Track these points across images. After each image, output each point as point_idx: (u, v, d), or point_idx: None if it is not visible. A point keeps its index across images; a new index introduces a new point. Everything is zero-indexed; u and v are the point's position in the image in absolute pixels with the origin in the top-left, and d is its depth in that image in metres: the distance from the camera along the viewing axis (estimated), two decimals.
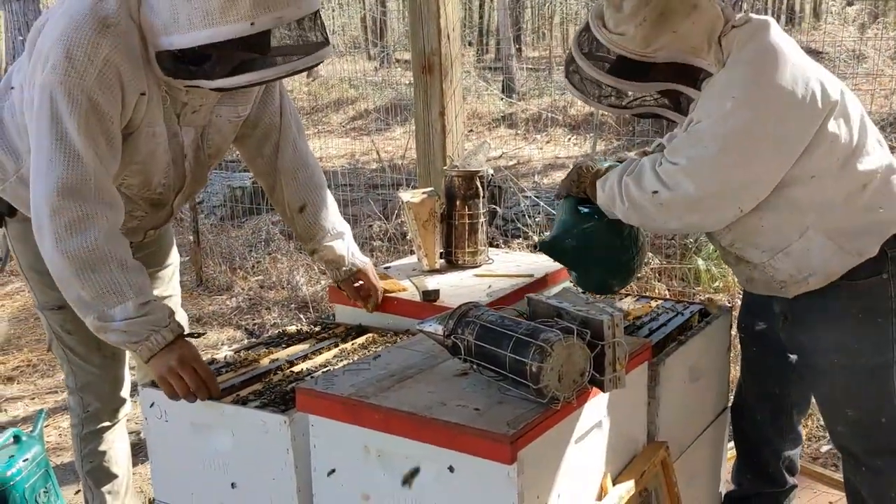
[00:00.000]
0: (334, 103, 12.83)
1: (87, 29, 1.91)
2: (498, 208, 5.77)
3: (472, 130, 10.26)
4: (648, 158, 2.16)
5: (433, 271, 2.73)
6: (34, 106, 1.96)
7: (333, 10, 14.55)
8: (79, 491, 2.86)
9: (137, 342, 1.96)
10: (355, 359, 2.16)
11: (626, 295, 2.75)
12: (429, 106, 3.85)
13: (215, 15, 1.84)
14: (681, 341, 2.25)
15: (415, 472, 1.66)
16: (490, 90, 11.60)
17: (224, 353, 2.27)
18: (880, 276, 2.13)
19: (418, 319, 1.93)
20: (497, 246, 4.93)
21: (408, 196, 2.78)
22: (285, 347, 2.31)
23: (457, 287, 2.55)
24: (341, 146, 10.30)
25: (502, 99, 11.26)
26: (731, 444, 2.72)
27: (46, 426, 3.70)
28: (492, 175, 2.90)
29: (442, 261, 2.79)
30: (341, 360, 2.18)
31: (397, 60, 13.36)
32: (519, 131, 10.41)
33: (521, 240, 5.52)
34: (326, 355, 2.23)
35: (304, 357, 2.22)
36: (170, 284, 2.69)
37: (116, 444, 2.59)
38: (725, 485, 2.72)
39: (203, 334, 2.12)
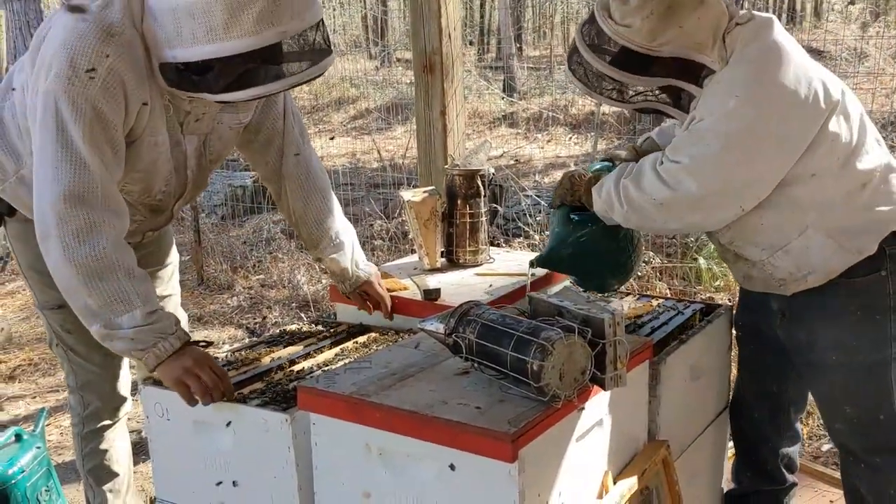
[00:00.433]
0: (335, 102, 12.83)
1: (90, 37, 1.91)
2: (499, 207, 5.77)
3: (473, 131, 10.26)
4: (647, 159, 2.15)
5: (434, 270, 2.74)
6: (37, 113, 1.95)
7: (334, 10, 14.55)
8: (81, 489, 2.86)
9: (144, 350, 1.95)
10: (356, 357, 2.17)
11: (628, 294, 2.75)
12: (430, 105, 3.85)
13: (219, 31, 1.83)
14: (682, 340, 2.25)
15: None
16: (491, 89, 11.59)
17: (221, 353, 2.27)
18: (878, 274, 2.14)
19: (419, 318, 1.94)
20: (498, 245, 4.93)
21: (409, 195, 2.78)
22: (286, 346, 2.31)
23: (458, 286, 2.55)
24: (342, 145, 10.30)
25: (503, 98, 11.26)
26: (731, 441, 2.72)
27: (48, 425, 3.71)
28: (493, 174, 2.90)
29: (443, 260, 2.80)
30: (342, 359, 2.18)
31: (398, 60, 13.36)
32: (520, 130, 10.41)
33: (521, 239, 5.52)
34: (327, 354, 2.23)
35: (306, 356, 2.22)
36: (169, 284, 2.69)
37: (117, 443, 2.60)
38: (726, 483, 2.72)
39: (211, 343, 2.11)
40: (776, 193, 2.08)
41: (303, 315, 5.21)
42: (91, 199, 1.94)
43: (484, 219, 2.79)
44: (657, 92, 2.19)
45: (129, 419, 2.69)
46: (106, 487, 2.59)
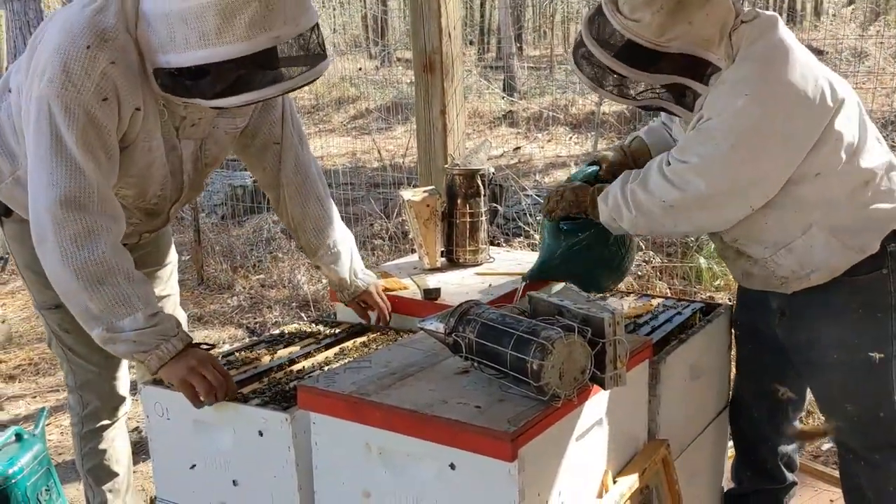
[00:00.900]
0: (335, 102, 12.83)
1: (84, 42, 1.90)
2: (499, 207, 5.77)
3: (473, 130, 10.26)
4: (653, 162, 2.15)
5: (434, 270, 2.74)
6: (31, 118, 1.94)
7: (334, 9, 14.55)
8: (81, 489, 2.86)
9: (147, 352, 1.95)
10: (356, 357, 2.17)
11: (628, 293, 2.75)
12: (430, 104, 3.85)
13: (211, 36, 1.82)
14: (682, 339, 2.25)
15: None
16: (491, 89, 11.59)
17: (221, 351, 2.27)
18: (880, 272, 2.14)
19: (419, 318, 1.94)
20: (498, 244, 4.93)
21: (409, 194, 2.78)
22: (286, 346, 2.31)
23: (458, 285, 2.55)
24: (342, 145, 10.30)
25: (503, 98, 11.26)
26: (730, 441, 2.72)
27: (48, 424, 3.70)
28: (493, 174, 2.90)
29: (443, 259, 2.80)
30: (342, 359, 2.18)
31: (398, 59, 13.36)
32: (520, 130, 10.40)
33: (522, 238, 5.53)
34: (327, 354, 2.23)
35: (306, 355, 2.22)
36: (168, 284, 2.68)
37: (116, 443, 2.59)
38: (726, 482, 2.72)
39: (213, 346, 2.11)
40: (782, 192, 2.08)
41: (303, 315, 5.21)
42: (87, 204, 1.93)
43: (484, 218, 2.79)
44: (662, 89, 2.17)
45: (129, 419, 2.69)
46: (105, 487, 2.59)
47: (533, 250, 4.59)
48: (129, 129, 2.03)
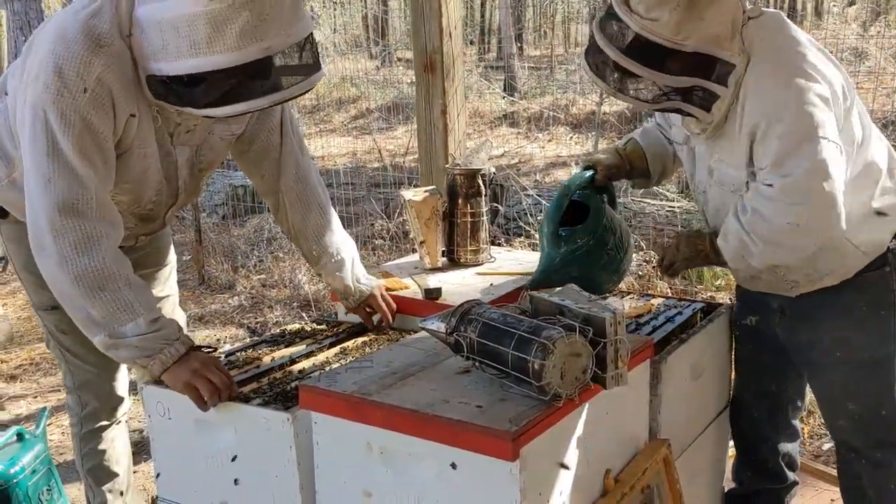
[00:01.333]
0: (336, 102, 12.84)
1: (78, 47, 1.89)
2: (500, 207, 5.77)
3: (474, 130, 10.26)
4: (747, 197, 2.06)
5: (435, 269, 2.74)
6: (26, 124, 1.93)
7: (335, 9, 14.56)
8: (82, 489, 2.86)
9: (150, 356, 1.95)
10: (357, 357, 2.17)
11: (629, 293, 2.75)
12: (431, 104, 3.85)
13: (202, 45, 1.81)
14: (683, 339, 2.25)
15: None
16: (492, 89, 11.60)
17: (222, 352, 2.27)
18: (883, 270, 2.15)
19: (420, 317, 1.94)
20: (499, 244, 4.94)
21: (410, 194, 2.78)
22: (287, 346, 2.31)
23: (459, 285, 2.55)
24: (343, 145, 10.31)
25: (504, 98, 11.26)
26: (731, 440, 2.72)
27: (49, 424, 3.70)
28: (493, 173, 2.90)
29: (444, 259, 2.80)
30: (343, 359, 2.18)
31: (399, 59, 13.36)
32: (521, 130, 10.41)
33: (522, 238, 5.53)
34: (328, 353, 2.23)
35: (307, 355, 2.23)
36: (167, 284, 2.68)
37: (116, 443, 2.59)
38: (727, 482, 2.72)
39: (215, 349, 2.12)
40: None
41: (304, 315, 5.22)
42: (86, 211, 1.93)
43: (485, 218, 2.79)
44: (679, 90, 2.10)
45: (130, 418, 2.69)
46: (105, 488, 2.59)
47: (534, 250, 4.59)
48: (125, 136, 2.02)
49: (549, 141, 9.74)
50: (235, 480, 1.96)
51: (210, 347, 2.10)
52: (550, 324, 1.65)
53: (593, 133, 8.56)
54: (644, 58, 2.02)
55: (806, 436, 3.36)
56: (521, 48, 15.51)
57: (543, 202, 5.73)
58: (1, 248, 2.53)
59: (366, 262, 2.61)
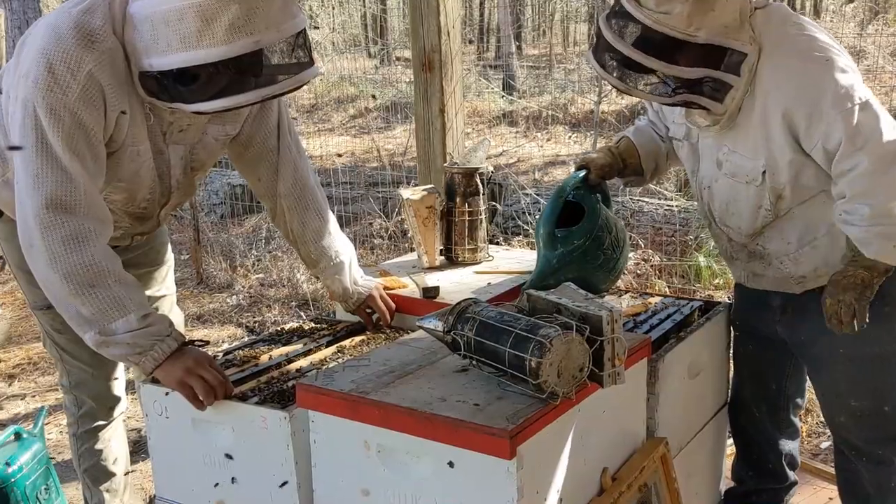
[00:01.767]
0: (335, 101, 12.83)
1: (70, 43, 1.88)
2: (498, 206, 5.77)
3: (472, 129, 10.26)
4: (846, 196, 2.00)
5: (433, 268, 2.74)
6: (17, 120, 1.93)
7: (333, 8, 14.55)
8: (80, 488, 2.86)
9: (142, 353, 1.94)
10: (355, 355, 2.17)
11: (627, 291, 2.75)
12: (429, 103, 3.85)
13: (191, 39, 1.80)
14: (680, 338, 2.25)
15: None
16: (490, 88, 11.59)
17: (220, 350, 2.27)
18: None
19: (418, 316, 1.94)
20: (497, 243, 4.94)
21: (408, 193, 2.78)
22: (285, 345, 2.31)
23: (457, 284, 2.55)
24: (341, 144, 10.30)
25: (503, 97, 11.26)
26: (730, 440, 2.72)
27: (47, 423, 3.70)
28: (491, 172, 2.90)
29: (442, 258, 2.80)
30: (341, 357, 2.18)
31: (398, 58, 13.35)
32: (519, 129, 10.41)
33: (521, 237, 5.53)
34: (326, 352, 2.23)
35: (305, 354, 2.22)
36: (164, 283, 2.67)
37: (113, 443, 2.59)
38: (725, 481, 2.72)
39: (207, 343, 2.11)
40: (814, 180, 2.09)
41: (302, 314, 5.21)
42: (74, 207, 1.92)
43: (483, 217, 2.79)
44: (691, 83, 2.07)
45: (128, 418, 2.69)
46: (103, 487, 2.58)
47: (531, 249, 4.59)
48: (116, 133, 2.02)
49: (548, 140, 9.74)
50: (233, 479, 1.96)
51: (202, 342, 2.09)
52: (547, 322, 1.65)
53: (592, 132, 8.56)
54: (657, 52, 2.00)
55: (804, 434, 3.35)
56: (519, 47, 15.50)
57: (542, 201, 5.73)
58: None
59: (364, 260, 2.61)
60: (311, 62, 1.96)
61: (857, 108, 1.97)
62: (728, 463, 2.75)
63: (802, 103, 2.02)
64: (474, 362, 1.75)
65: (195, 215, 6.13)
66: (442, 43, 3.77)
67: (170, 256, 2.71)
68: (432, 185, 3.02)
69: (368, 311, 2.44)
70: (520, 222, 5.63)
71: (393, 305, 2.44)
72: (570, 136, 9.80)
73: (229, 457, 1.95)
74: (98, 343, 1.95)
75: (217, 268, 6.20)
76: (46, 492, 2.84)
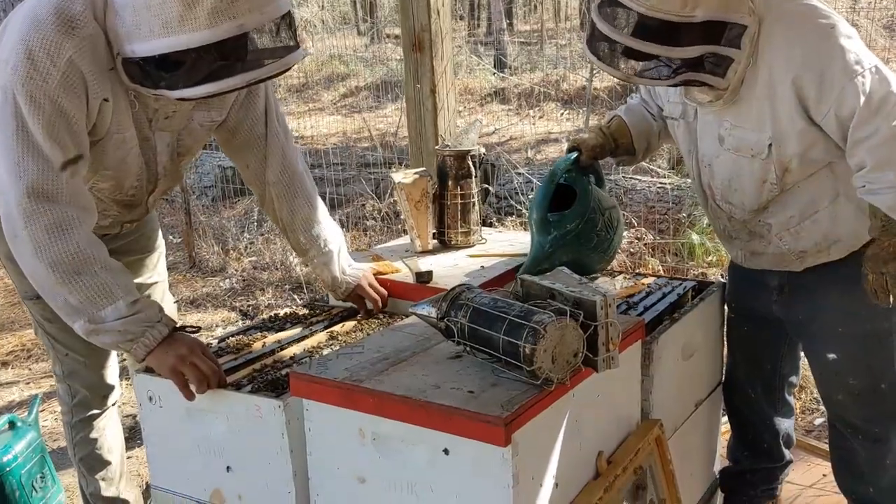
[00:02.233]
0: (325, 80, 12.74)
1: (49, 29, 1.85)
2: (490, 187, 5.76)
3: (464, 108, 10.22)
4: (866, 166, 1.97)
5: (426, 252, 2.72)
6: None
7: None
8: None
9: (133, 340, 1.93)
10: (348, 342, 2.16)
11: (620, 272, 2.75)
12: (420, 84, 3.82)
13: (173, 24, 1.77)
14: (674, 319, 2.25)
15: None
16: (482, 65, 11.53)
17: (214, 338, 2.26)
18: None
19: (411, 302, 1.93)
20: (490, 224, 4.93)
21: (399, 177, 2.76)
22: (278, 331, 2.30)
23: (450, 268, 2.54)
24: (332, 124, 10.24)
25: (494, 74, 11.20)
26: (725, 419, 2.73)
27: (42, 411, 3.70)
28: (483, 154, 2.88)
29: (435, 241, 2.79)
30: (334, 344, 2.17)
31: (388, 35, 13.25)
32: (511, 107, 10.37)
33: (514, 217, 5.52)
34: (320, 338, 2.22)
35: (298, 340, 2.22)
36: (156, 270, 2.65)
37: (107, 431, 2.59)
38: (720, 460, 2.73)
39: (199, 329, 2.09)
40: (822, 151, 2.07)
41: (295, 297, 5.21)
42: (57, 195, 1.90)
43: (475, 199, 2.77)
44: (692, 60, 2.03)
45: (123, 404, 2.68)
46: (98, 476, 2.58)
47: (525, 229, 4.58)
48: (100, 121, 1.99)
49: (540, 117, 9.71)
50: (228, 468, 1.96)
51: (194, 328, 2.08)
52: (541, 308, 1.64)
53: (584, 109, 8.53)
54: (655, 37, 1.97)
55: (798, 411, 3.37)
56: (510, 23, 15.41)
57: (535, 180, 5.71)
58: None
59: (357, 243, 2.60)
60: (297, 45, 1.93)
61: (868, 72, 1.96)
62: (723, 442, 2.76)
63: (811, 69, 1.99)
64: (468, 349, 1.74)
65: (186, 199, 6.10)
66: (432, 22, 3.74)
67: (160, 243, 2.69)
68: (424, 168, 3.00)
69: (359, 299, 2.43)
70: (513, 202, 5.62)
71: (384, 292, 2.43)
72: (562, 113, 9.77)
73: (224, 446, 1.95)
74: (88, 331, 1.94)
75: (209, 251, 6.18)
76: (42, 480, 2.85)
